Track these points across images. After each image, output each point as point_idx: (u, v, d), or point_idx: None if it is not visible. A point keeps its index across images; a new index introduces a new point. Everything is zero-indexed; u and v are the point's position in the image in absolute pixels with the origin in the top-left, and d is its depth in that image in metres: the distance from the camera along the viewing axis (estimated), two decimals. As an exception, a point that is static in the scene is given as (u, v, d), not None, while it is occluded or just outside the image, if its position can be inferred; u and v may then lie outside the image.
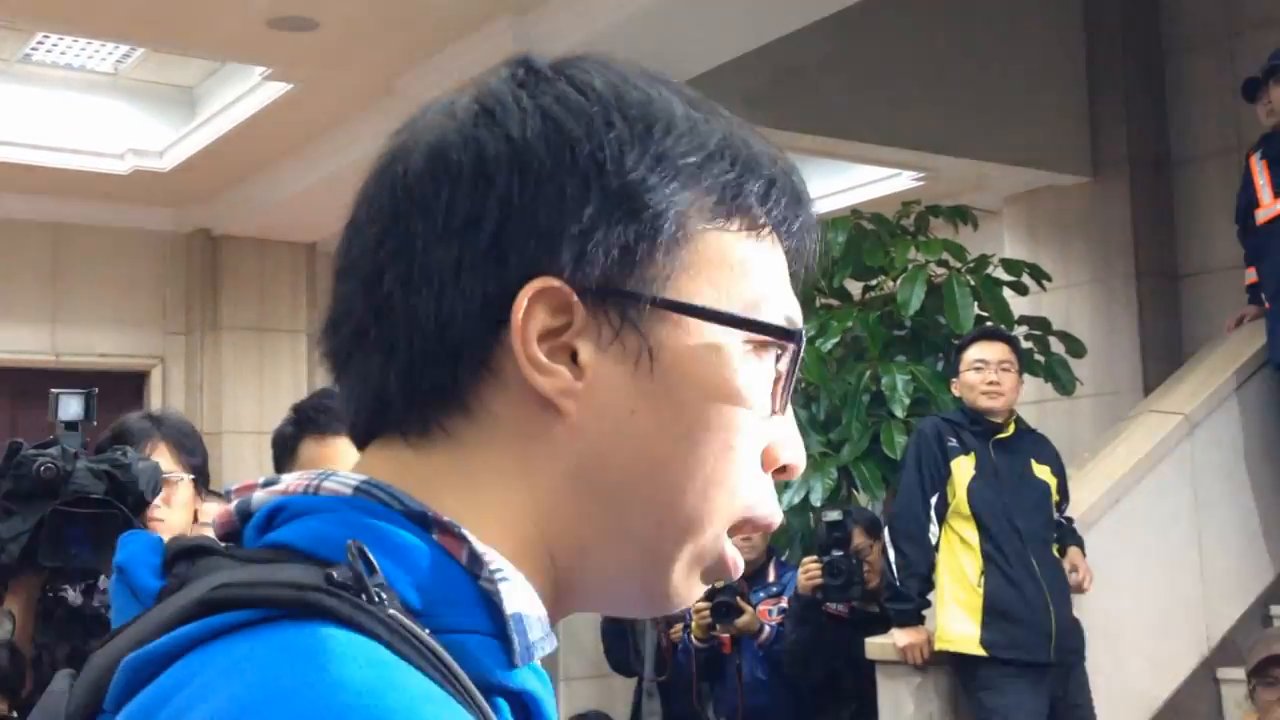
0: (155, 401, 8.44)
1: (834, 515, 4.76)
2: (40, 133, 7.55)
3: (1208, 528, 5.41)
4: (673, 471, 0.68)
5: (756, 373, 0.70)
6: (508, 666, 0.62)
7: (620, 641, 5.32)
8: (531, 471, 0.67)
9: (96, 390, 2.29)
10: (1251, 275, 5.79)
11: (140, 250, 8.53)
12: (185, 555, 0.66)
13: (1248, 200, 5.66)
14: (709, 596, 4.82)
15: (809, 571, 4.68)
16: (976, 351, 4.53)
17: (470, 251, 0.67)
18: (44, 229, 8.41)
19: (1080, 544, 4.65)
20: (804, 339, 0.73)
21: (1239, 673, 5.02)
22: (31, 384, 8.24)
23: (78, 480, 1.93)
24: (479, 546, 0.64)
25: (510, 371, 0.66)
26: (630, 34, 5.48)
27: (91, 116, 7.67)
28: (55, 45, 7.11)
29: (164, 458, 2.48)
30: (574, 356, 0.67)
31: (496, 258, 0.66)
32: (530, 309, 0.66)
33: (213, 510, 2.24)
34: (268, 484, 0.70)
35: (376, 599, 0.59)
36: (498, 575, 0.64)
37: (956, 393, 4.63)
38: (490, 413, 0.67)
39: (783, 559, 5.20)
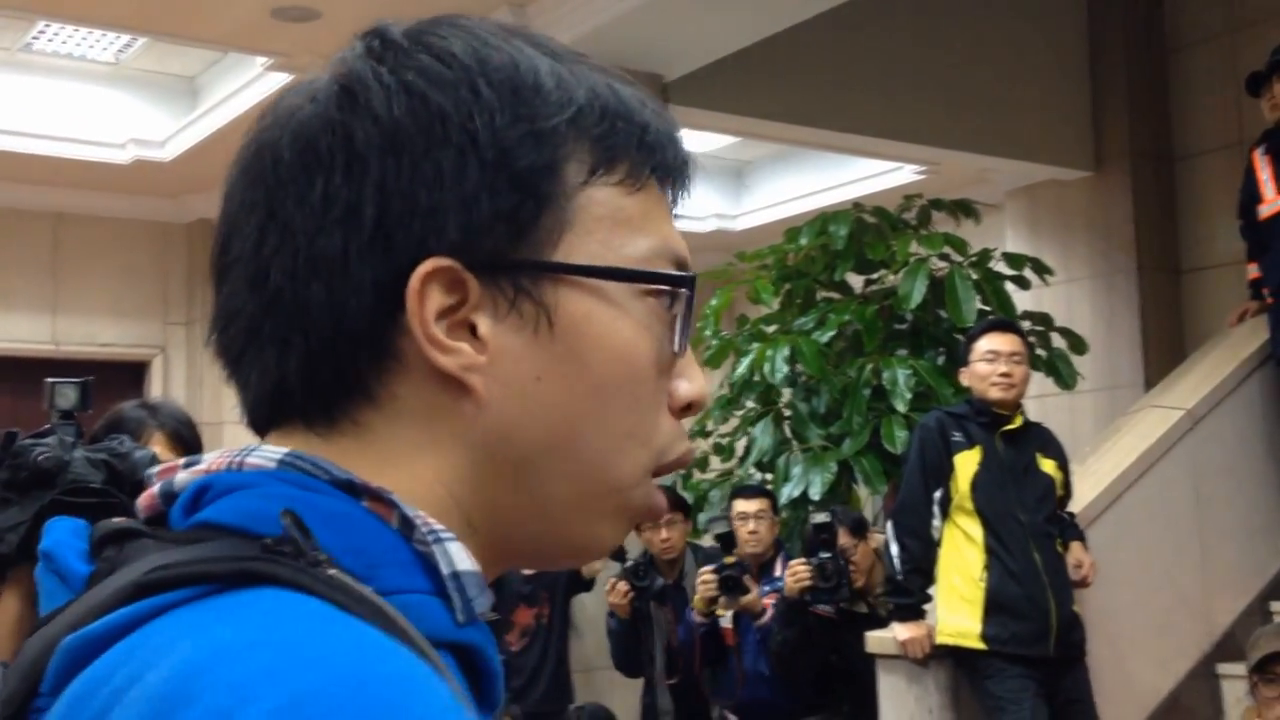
0: (156, 392, 8.43)
1: (821, 518, 4.78)
2: (41, 122, 7.54)
3: (1209, 523, 5.40)
4: (585, 431, 0.69)
5: (654, 320, 0.71)
6: (450, 623, 0.63)
7: (630, 642, 5.31)
8: (441, 448, 0.68)
9: (92, 379, 2.28)
10: (1253, 270, 5.78)
11: (141, 240, 8.52)
12: (112, 539, 0.66)
13: (1250, 195, 5.65)
14: (717, 571, 4.82)
15: (797, 574, 4.68)
16: (988, 342, 4.51)
17: (355, 240, 0.66)
18: (45, 218, 8.40)
19: (1083, 539, 4.64)
20: (695, 281, 0.74)
21: (1239, 668, 5.02)
22: (32, 374, 8.23)
23: (76, 470, 1.91)
24: (409, 510, 0.64)
25: (411, 354, 0.66)
26: (631, 27, 5.47)
27: (93, 106, 7.66)
28: (56, 34, 7.09)
29: (160, 447, 2.46)
30: (473, 330, 0.67)
31: (383, 244, 0.66)
32: (424, 291, 0.66)
33: None
34: (189, 464, 0.69)
35: (315, 562, 0.59)
36: (431, 537, 0.64)
37: (965, 383, 4.60)
38: (395, 396, 0.67)
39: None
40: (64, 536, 0.68)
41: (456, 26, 0.71)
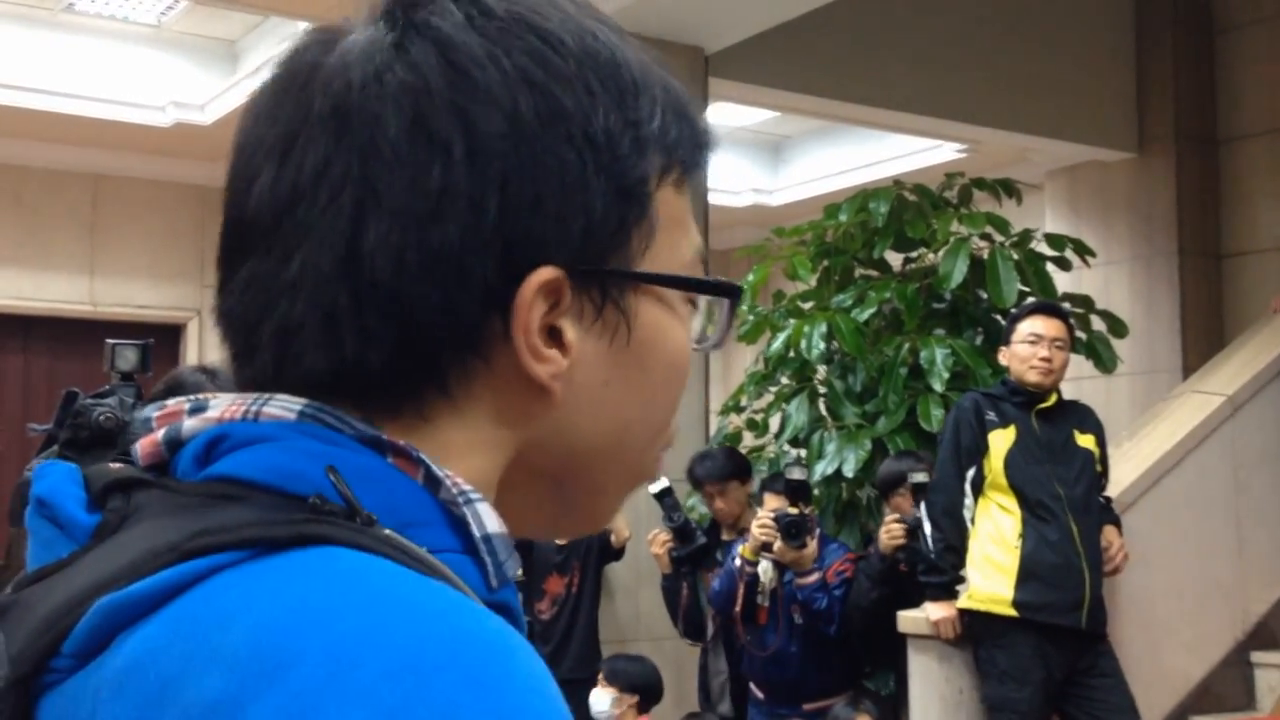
0: (192, 354, 8.49)
1: (920, 477, 4.70)
2: (82, 83, 7.57)
3: (1247, 511, 5.37)
4: (634, 431, 0.70)
5: (689, 320, 0.72)
6: (482, 585, 0.62)
7: (675, 598, 5.31)
8: (501, 444, 0.67)
9: (152, 341, 2.29)
10: (1299, 256, 5.73)
11: (179, 203, 8.55)
12: (117, 488, 0.63)
13: (1298, 179, 5.59)
14: (777, 519, 4.73)
15: (891, 531, 4.65)
16: (1032, 325, 4.49)
17: (472, 237, 0.63)
18: (84, 179, 8.44)
19: (1117, 523, 4.63)
20: (741, 292, 0.74)
21: (1273, 657, 5.00)
22: (69, 334, 8.31)
23: (136, 430, 1.92)
24: (439, 470, 0.63)
25: (500, 357, 0.65)
26: (665, 2, 5.42)
27: (134, 68, 7.68)
28: (99, -4, 7.11)
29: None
30: (555, 334, 0.66)
31: (501, 245, 0.63)
32: (533, 299, 0.64)
33: None
34: (195, 410, 0.66)
35: (369, 522, 0.58)
36: (463, 498, 0.63)
37: (1004, 362, 4.58)
38: (472, 396, 0.65)
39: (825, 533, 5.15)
40: (60, 483, 0.65)
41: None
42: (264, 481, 0.60)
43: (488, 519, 0.64)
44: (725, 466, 5.23)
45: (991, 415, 4.48)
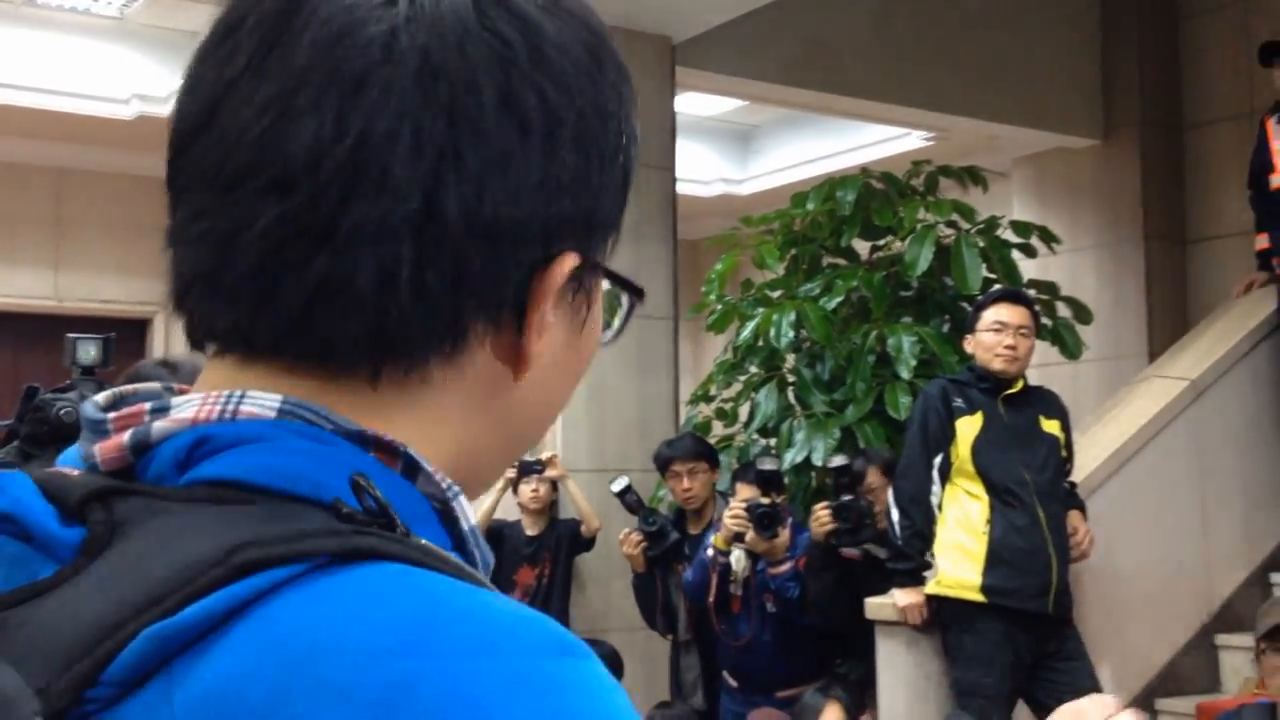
0: (158, 348, 8.44)
1: (839, 460, 4.76)
2: (45, 77, 7.49)
3: (1211, 494, 5.41)
4: (553, 412, 0.73)
5: None
6: None
7: (648, 595, 5.30)
8: (470, 414, 0.68)
9: (114, 335, 2.27)
10: (1261, 241, 5.77)
11: (144, 196, 8.49)
12: (95, 498, 0.59)
13: (1261, 164, 5.63)
14: (749, 509, 4.75)
15: (819, 518, 4.67)
16: (997, 312, 4.52)
17: (534, 214, 0.65)
18: (48, 174, 8.37)
19: (1082, 508, 4.67)
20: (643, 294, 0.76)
21: (1238, 639, 5.05)
22: (34, 329, 8.24)
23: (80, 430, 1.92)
24: (427, 465, 0.63)
25: (505, 326, 0.66)
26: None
27: (97, 61, 7.62)
28: (61, -12, 7.05)
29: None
30: None
31: (551, 225, 0.66)
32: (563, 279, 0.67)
33: None
34: (158, 410, 0.63)
35: (407, 532, 0.58)
36: (449, 492, 0.63)
37: (969, 349, 4.61)
38: (471, 362, 0.66)
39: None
40: (24, 495, 0.61)
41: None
42: (264, 484, 0.59)
43: (470, 511, 0.64)
44: (695, 447, 5.25)
45: (959, 402, 4.51)
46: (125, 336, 8.60)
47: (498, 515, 5.54)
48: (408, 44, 0.62)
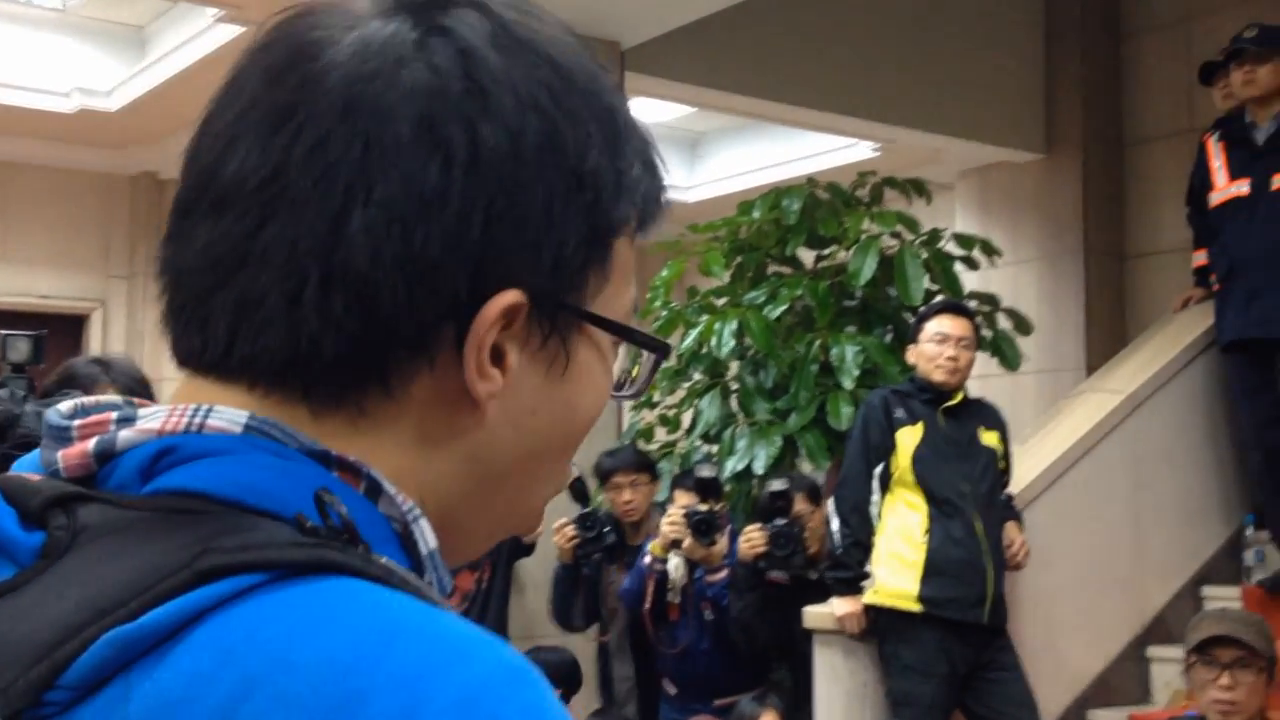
0: (95, 345, 8.33)
1: (779, 485, 4.75)
2: (-16, 68, 7.39)
3: (1145, 507, 5.48)
4: (547, 462, 0.72)
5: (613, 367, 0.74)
6: None
7: (567, 590, 5.22)
8: (429, 453, 0.67)
9: (46, 332, 2.24)
10: (1200, 258, 5.84)
11: (84, 191, 8.39)
12: (57, 504, 0.60)
13: (1201, 182, 5.70)
14: (687, 515, 4.74)
15: (751, 540, 4.66)
16: (939, 324, 4.55)
17: (454, 247, 0.64)
18: (-14, 166, 8.24)
19: (1019, 519, 4.71)
20: (669, 351, 0.76)
21: (1169, 651, 5.11)
22: (-32, 323, 8.12)
23: (27, 424, 1.89)
24: (389, 486, 0.64)
25: (444, 365, 0.65)
26: (583, -5, 5.41)
27: (38, 53, 7.52)
28: (2, -23, 6.95)
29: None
30: (499, 355, 0.66)
31: (477, 259, 0.64)
32: (495, 318, 0.65)
33: None
34: (125, 420, 0.65)
35: (369, 549, 0.59)
36: (410, 515, 0.64)
37: (911, 360, 4.64)
38: (410, 397, 0.66)
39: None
40: None
41: (545, 23, 0.70)
42: (225, 496, 0.59)
43: (429, 535, 0.65)
44: (637, 459, 5.23)
45: (900, 413, 4.54)
46: (62, 333, 8.50)
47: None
48: (337, 75, 0.64)
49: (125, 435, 0.64)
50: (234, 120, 0.66)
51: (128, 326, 8.51)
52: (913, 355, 4.63)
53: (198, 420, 0.63)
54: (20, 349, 2.21)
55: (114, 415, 0.65)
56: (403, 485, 0.65)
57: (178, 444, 0.62)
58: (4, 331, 2.22)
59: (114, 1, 7.18)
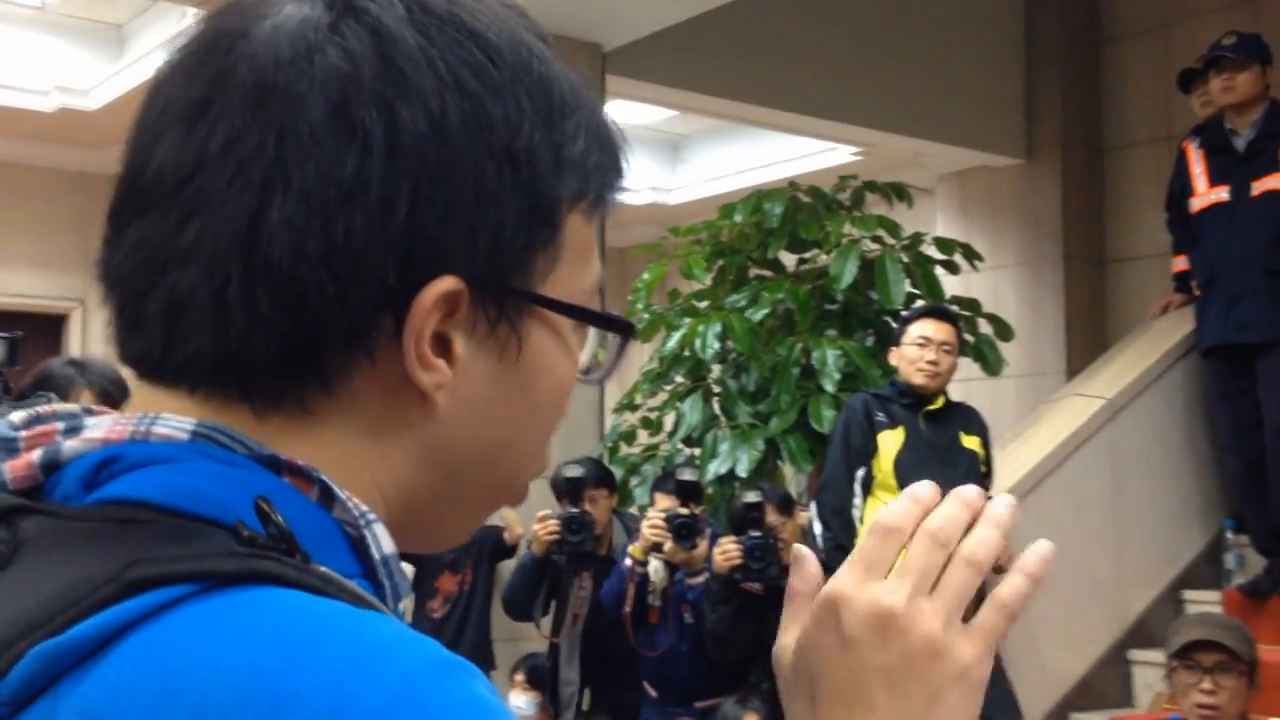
0: (74, 345, 8.29)
1: (752, 496, 4.73)
2: (-38, 65, 7.35)
3: (1126, 512, 5.50)
4: (512, 448, 0.70)
5: (579, 348, 0.72)
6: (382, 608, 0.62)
7: (532, 582, 5.14)
8: (380, 447, 0.66)
9: (21, 334, 2.22)
10: (1180, 263, 5.86)
11: (64, 190, 8.34)
12: None
13: (1181, 187, 5.73)
14: (668, 519, 4.73)
15: (727, 552, 4.65)
16: (921, 328, 4.56)
17: (378, 234, 0.61)
18: (-36, 165, 8.20)
19: (1000, 523, 4.71)
20: (633, 330, 0.75)
21: (1150, 655, 5.13)
22: (-55, 323, 8.07)
23: None
24: (340, 491, 0.62)
25: (384, 357, 0.63)
26: (563, -1, 5.40)
27: (18, 51, 7.48)
28: (-19, -25, 6.91)
29: (88, 405, 2.42)
30: (445, 345, 0.65)
31: (405, 246, 0.62)
32: (430, 307, 0.63)
33: None
34: (72, 430, 0.64)
35: (306, 557, 0.57)
36: (363, 520, 0.63)
37: (893, 362, 4.65)
38: (353, 393, 0.64)
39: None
40: None
41: (480, 2, 0.67)
42: (167, 504, 0.58)
43: (384, 540, 0.63)
44: (598, 473, 5.20)
45: (881, 416, 4.55)
46: (41, 333, 8.45)
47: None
48: (247, 67, 0.63)
49: (70, 445, 0.63)
50: (155, 119, 0.65)
51: (108, 326, 8.48)
52: (894, 358, 4.64)
53: (143, 428, 0.62)
54: (-5, 350, 2.19)
55: (61, 426, 0.64)
56: (358, 481, 0.64)
57: (121, 453, 0.61)
58: (-21, 334, 2.20)
59: (94, 0, 7.15)
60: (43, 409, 0.66)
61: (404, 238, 0.62)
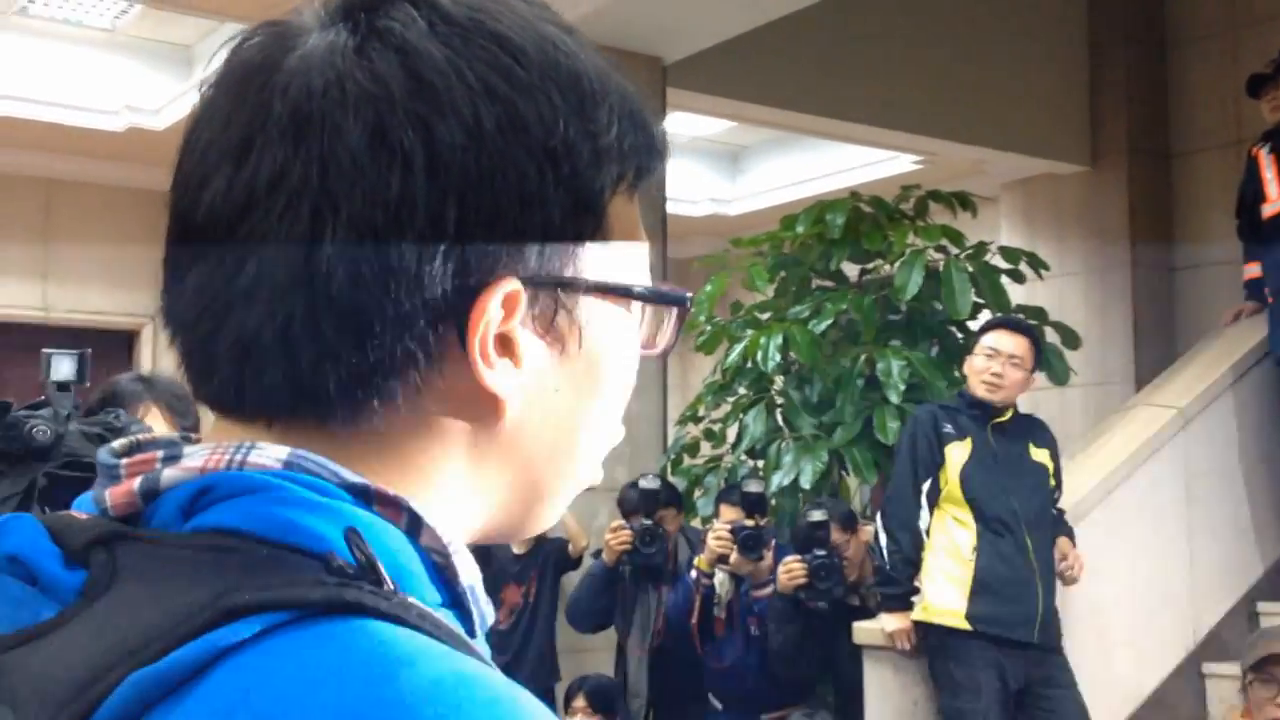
0: (145, 361, 8.41)
1: (818, 515, 4.72)
2: (35, 87, 7.49)
3: (1198, 522, 5.41)
4: (584, 435, 0.71)
5: (639, 328, 0.73)
6: (470, 637, 0.62)
7: (602, 589, 5.16)
8: (458, 455, 0.67)
9: (90, 351, 2.24)
10: (1253, 270, 5.77)
11: (133, 208, 8.46)
12: (99, 542, 0.61)
13: (1252, 194, 5.64)
14: (734, 531, 4.74)
15: (792, 571, 4.63)
16: (992, 339, 4.52)
17: (431, 251, 0.62)
18: (37, 184, 8.35)
19: (1070, 534, 4.66)
20: (691, 301, 0.75)
21: (1225, 668, 5.04)
22: (21, 340, 8.20)
23: (70, 444, 1.89)
24: (427, 518, 0.63)
25: (451, 367, 0.64)
26: (632, 8, 5.43)
27: (88, 72, 7.61)
28: (52, -1, 7.04)
29: (156, 421, 2.45)
30: (507, 345, 0.66)
31: (459, 257, 0.63)
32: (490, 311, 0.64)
33: None
34: (170, 458, 0.65)
35: (395, 589, 0.58)
36: (451, 547, 0.64)
37: (966, 371, 4.63)
38: (426, 407, 0.65)
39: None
40: (32, 537, 0.62)
41: (500, 4, 0.68)
42: (259, 533, 0.59)
43: (468, 569, 0.64)
44: (670, 491, 5.20)
45: (948, 428, 4.50)
46: (113, 348, 8.58)
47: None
48: (280, 101, 0.64)
49: (169, 474, 0.64)
50: (198, 161, 0.66)
51: (177, 368, 8.60)
52: (967, 368, 4.62)
53: (239, 457, 0.63)
54: (64, 367, 2.21)
55: (160, 454, 0.65)
56: (440, 497, 0.66)
57: (217, 481, 0.62)
58: (48, 350, 2.22)
59: (161, 21, 7.26)
60: (142, 437, 0.68)
61: (456, 250, 0.63)
